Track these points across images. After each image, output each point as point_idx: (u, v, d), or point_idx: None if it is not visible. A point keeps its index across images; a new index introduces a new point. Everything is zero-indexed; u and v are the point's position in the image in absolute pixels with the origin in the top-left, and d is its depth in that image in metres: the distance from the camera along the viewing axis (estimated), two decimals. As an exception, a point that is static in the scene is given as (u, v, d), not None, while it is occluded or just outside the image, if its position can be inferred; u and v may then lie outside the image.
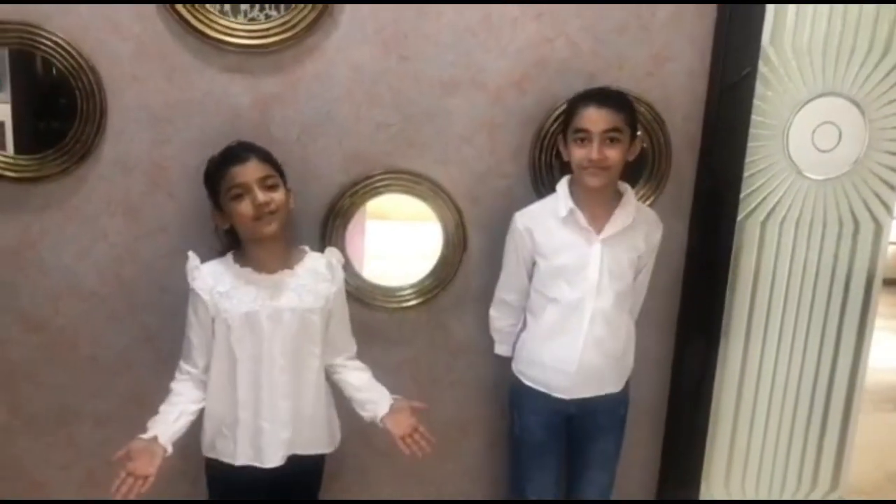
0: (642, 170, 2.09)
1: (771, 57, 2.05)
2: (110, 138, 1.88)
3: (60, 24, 1.80)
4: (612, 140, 1.77)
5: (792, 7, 2.03)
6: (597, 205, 1.86)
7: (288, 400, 1.71)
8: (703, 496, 2.34)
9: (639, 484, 2.35)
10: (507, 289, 2.01)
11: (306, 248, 1.82)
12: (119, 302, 1.98)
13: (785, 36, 2.04)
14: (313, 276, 1.74)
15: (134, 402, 2.03)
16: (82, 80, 1.81)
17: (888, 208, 2.20)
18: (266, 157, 1.68)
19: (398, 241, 2.38)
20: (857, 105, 2.12)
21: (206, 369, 1.72)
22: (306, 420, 1.75)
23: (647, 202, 2.09)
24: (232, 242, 1.76)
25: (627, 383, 2.02)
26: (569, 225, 1.86)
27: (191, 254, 1.72)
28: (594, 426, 1.99)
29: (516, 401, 2.02)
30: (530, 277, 1.97)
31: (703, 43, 2.05)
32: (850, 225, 2.20)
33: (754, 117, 2.07)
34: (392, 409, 1.77)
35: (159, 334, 2.00)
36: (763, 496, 2.38)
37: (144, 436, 1.61)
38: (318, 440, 1.80)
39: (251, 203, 1.62)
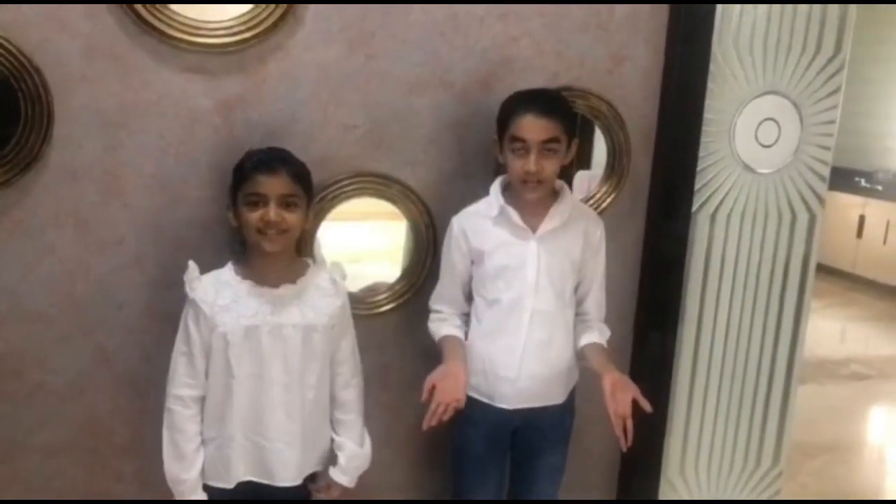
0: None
1: (717, 56, 2.14)
2: (57, 145, 1.72)
3: (-2, 20, 1.63)
4: (549, 150, 1.73)
5: (737, 8, 2.12)
6: (532, 204, 1.82)
7: (291, 418, 1.63)
8: (661, 483, 2.42)
9: (599, 475, 2.40)
10: (439, 299, 1.93)
11: (310, 260, 1.74)
12: (70, 322, 1.81)
13: (730, 36, 2.14)
14: (316, 291, 1.67)
15: (87, 429, 1.88)
16: (26, 82, 1.65)
17: (820, 199, 2.35)
18: (297, 175, 1.60)
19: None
20: (793, 102, 2.25)
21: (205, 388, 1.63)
22: (310, 439, 1.68)
23: (608, 199, 2.13)
24: (241, 247, 1.68)
25: (573, 393, 1.97)
26: (502, 224, 1.82)
27: (191, 263, 1.62)
28: (542, 441, 1.94)
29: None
30: (463, 288, 1.92)
31: (657, 41, 2.11)
32: (788, 215, 2.33)
33: (704, 115, 2.16)
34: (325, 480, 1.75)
35: (116, 355, 1.86)
36: (714, 478, 2.49)
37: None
38: (321, 459, 1.74)
39: (261, 216, 1.55)
